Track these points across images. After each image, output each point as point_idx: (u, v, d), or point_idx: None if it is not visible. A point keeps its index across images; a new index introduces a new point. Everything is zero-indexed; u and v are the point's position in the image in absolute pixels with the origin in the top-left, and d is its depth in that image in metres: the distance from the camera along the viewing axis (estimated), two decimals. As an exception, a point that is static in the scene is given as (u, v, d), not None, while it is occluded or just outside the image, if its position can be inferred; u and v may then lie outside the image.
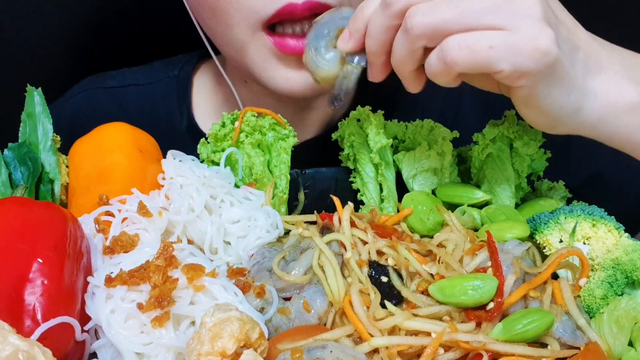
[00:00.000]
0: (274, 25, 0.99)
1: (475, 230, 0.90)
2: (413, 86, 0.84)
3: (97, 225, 0.82)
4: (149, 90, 1.27)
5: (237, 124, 0.95)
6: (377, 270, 0.79)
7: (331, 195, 0.90)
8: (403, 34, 0.76)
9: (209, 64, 1.28)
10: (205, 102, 1.26)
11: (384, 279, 0.78)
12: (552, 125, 0.82)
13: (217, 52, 1.14)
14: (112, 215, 0.83)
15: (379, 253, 0.82)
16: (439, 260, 0.80)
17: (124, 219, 0.82)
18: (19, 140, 0.93)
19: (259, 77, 1.03)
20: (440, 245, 0.84)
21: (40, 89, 0.94)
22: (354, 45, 0.83)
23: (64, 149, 0.95)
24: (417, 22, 0.74)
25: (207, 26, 1.05)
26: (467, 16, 0.72)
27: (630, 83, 0.80)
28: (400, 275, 0.79)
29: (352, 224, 0.85)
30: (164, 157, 0.93)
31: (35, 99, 0.93)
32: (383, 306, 0.76)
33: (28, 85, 0.94)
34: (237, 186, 0.94)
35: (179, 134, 1.23)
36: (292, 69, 1.00)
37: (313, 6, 0.93)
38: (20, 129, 0.93)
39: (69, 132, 0.98)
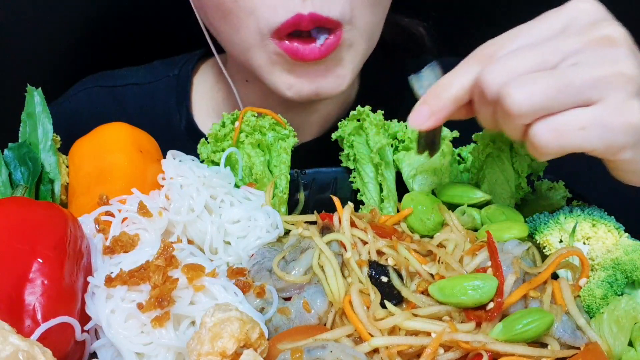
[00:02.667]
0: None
1: (475, 230, 0.90)
2: None
3: (97, 225, 0.82)
4: (148, 89, 1.27)
5: (237, 124, 0.95)
6: (377, 270, 0.79)
7: (331, 195, 0.91)
8: (502, 115, 0.72)
9: (209, 63, 1.28)
10: (204, 102, 1.26)
11: (384, 279, 0.78)
12: None
13: (219, 51, 1.14)
14: (112, 215, 0.83)
15: (379, 253, 0.82)
16: (439, 261, 0.80)
17: (124, 219, 0.82)
18: (19, 140, 0.93)
19: (263, 79, 1.04)
20: (440, 245, 0.84)
21: (40, 89, 0.94)
22: (435, 123, 0.77)
23: (64, 146, 0.95)
24: (515, 105, 0.69)
25: (213, 26, 1.05)
26: (565, 94, 0.68)
27: None
28: (400, 275, 0.79)
29: (352, 224, 0.85)
30: (164, 157, 0.93)
31: (35, 99, 0.93)
32: (383, 306, 0.76)
33: (28, 85, 0.94)
34: (237, 186, 0.94)
35: (177, 133, 1.23)
36: (296, 76, 1.00)
37: (317, 18, 0.94)
38: (20, 129, 0.93)
39: (69, 130, 0.98)
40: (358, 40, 1.00)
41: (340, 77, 1.01)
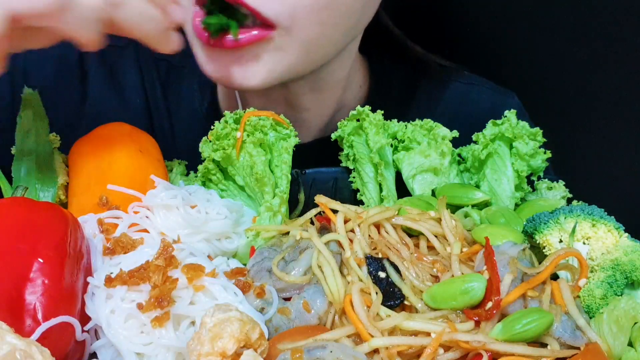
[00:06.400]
0: None
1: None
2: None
3: (100, 227, 0.82)
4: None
5: (239, 134, 0.94)
6: (374, 265, 0.79)
7: (317, 198, 0.89)
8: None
9: None
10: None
11: (382, 274, 0.78)
12: None
13: None
14: (117, 218, 0.83)
15: (374, 247, 0.82)
16: (433, 263, 0.81)
17: (132, 225, 0.82)
18: (17, 140, 0.93)
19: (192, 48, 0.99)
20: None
21: (37, 89, 0.94)
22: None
23: (64, 146, 0.95)
24: None
25: None
26: None
27: None
28: (397, 269, 0.79)
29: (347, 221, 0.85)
30: (164, 156, 0.93)
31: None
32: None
33: (25, 86, 0.94)
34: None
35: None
36: (212, 54, 0.95)
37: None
38: (17, 129, 0.93)
39: None
40: (291, 48, 0.94)
41: (251, 72, 0.94)
